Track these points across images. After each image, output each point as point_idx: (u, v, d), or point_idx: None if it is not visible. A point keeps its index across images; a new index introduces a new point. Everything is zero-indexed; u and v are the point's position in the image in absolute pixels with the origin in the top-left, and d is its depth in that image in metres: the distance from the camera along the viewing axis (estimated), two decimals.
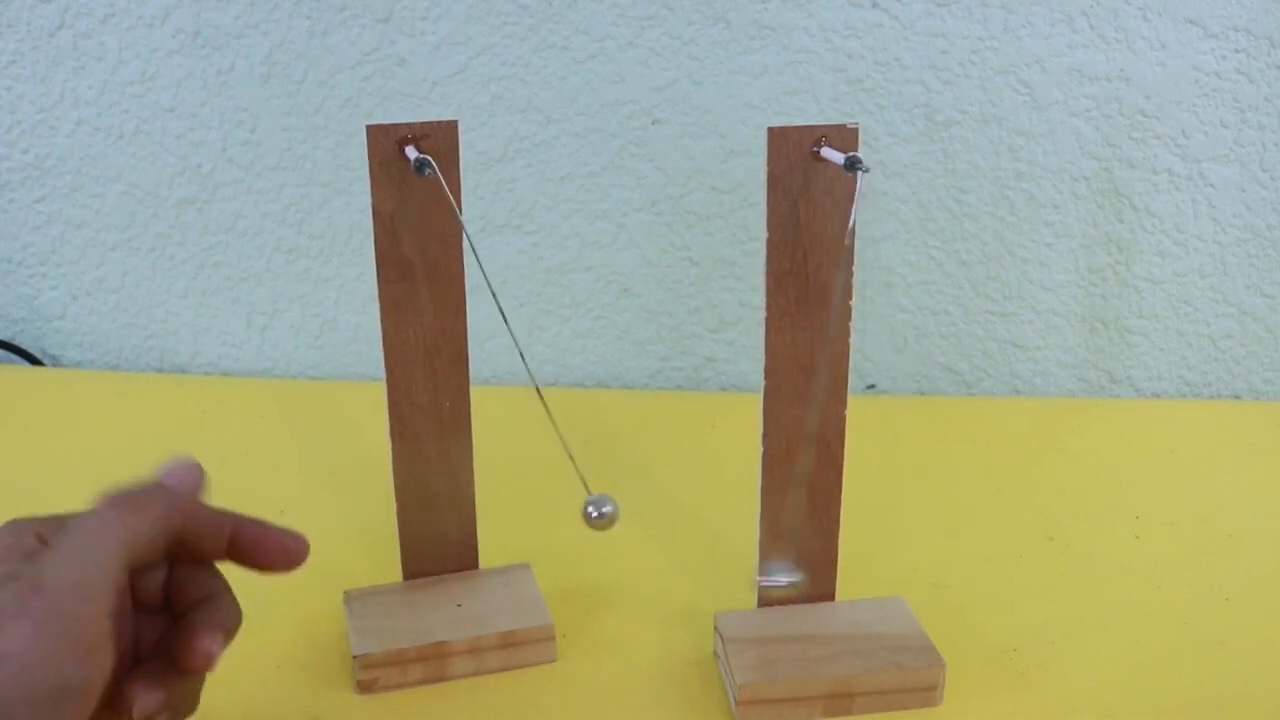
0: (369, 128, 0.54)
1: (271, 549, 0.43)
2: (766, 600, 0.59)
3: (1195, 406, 0.90)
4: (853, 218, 0.50)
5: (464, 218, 0.57)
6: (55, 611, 0.34)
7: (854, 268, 0.55)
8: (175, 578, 0.42)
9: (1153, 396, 0.92)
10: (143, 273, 0.94)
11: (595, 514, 0.51)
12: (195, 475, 0.42)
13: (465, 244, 0.57)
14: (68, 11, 0.87)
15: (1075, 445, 0.82)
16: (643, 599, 0.64)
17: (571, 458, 0.52)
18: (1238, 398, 0.92)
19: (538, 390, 0.52)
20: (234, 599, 0.43)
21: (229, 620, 0.41)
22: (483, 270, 0.53)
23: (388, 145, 0.54)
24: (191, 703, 0.43)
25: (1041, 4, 0.82)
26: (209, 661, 0.39)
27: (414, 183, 0.55)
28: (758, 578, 0.49)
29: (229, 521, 0.42)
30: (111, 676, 0.37)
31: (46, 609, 0.34)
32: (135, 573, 0.39)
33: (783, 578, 0.49)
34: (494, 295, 0.53)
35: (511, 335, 0.53)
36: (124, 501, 0.39)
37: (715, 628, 0.58)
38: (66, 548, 0.36)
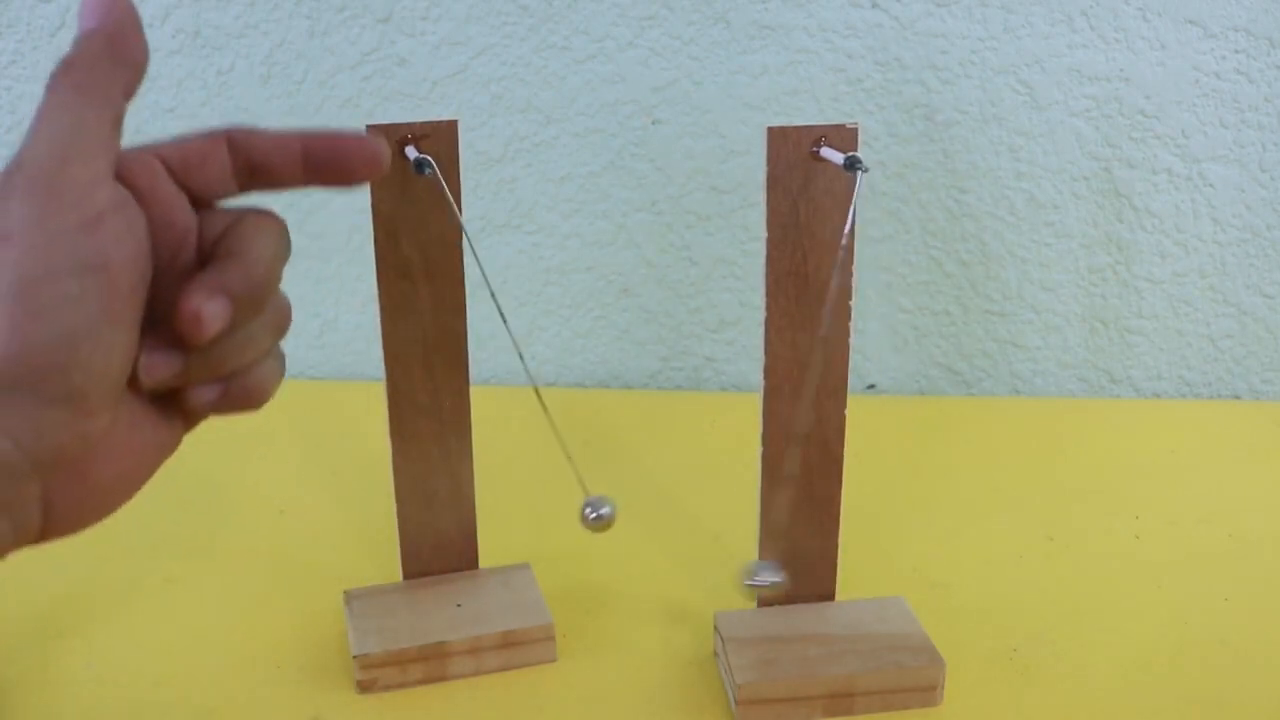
0: (369, 128, 0.54)
1: (351, 152, 0.38)
2: (764, 601, 0.59)
3: (1195, 406, 0.90)
4: (850, 218, 0.50)
5: (464, 218, 0.57)
6: (39, 181, 0.32)
7: (854, 267, 0.55)
8: (224, 233, 0.37)
9: (1153, 396, 0.92)
10: None
11: (593, 515, 0.51)
12: (112, 3, 0.36)
13: (465, 244, 0.57)
14: (68, 12, 0.87)
15: (1075, 445, 0.82)
16: (643, 599, 0.64)
17: (570, 458, 0.52)
18: (1237, 398, 0.92)
19: (536, 391, 0.52)
20: (262, 273, 0.37)
21: (236, 285, 0.35)
22: (482, 270, 0.53)
23: (387, 145, 0.54)
24: (244, 388, 0.38)
25: (1041, 4, 0.82)
26: (197, 325, 0.34)
27: (414, 183, 0.55)
28: (744, 581, 0.50)
29: (296, 137, 0.37)
30: (166, 279, 0.35)
31: (29, 179, 0.32)
32: (200, 202, 0.37)
33: (768, 577, 0.49)
34: (493, 295, 0.53)
35: (511, 336, 0.53)
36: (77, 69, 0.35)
37: (715, 628, 0.58)
38: (38, 125, 0.33)
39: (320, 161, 0.38)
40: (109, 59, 0.35)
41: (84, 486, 0.33)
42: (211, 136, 0.37)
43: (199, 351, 0.35)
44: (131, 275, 0.33)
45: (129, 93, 0.35)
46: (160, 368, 0.35)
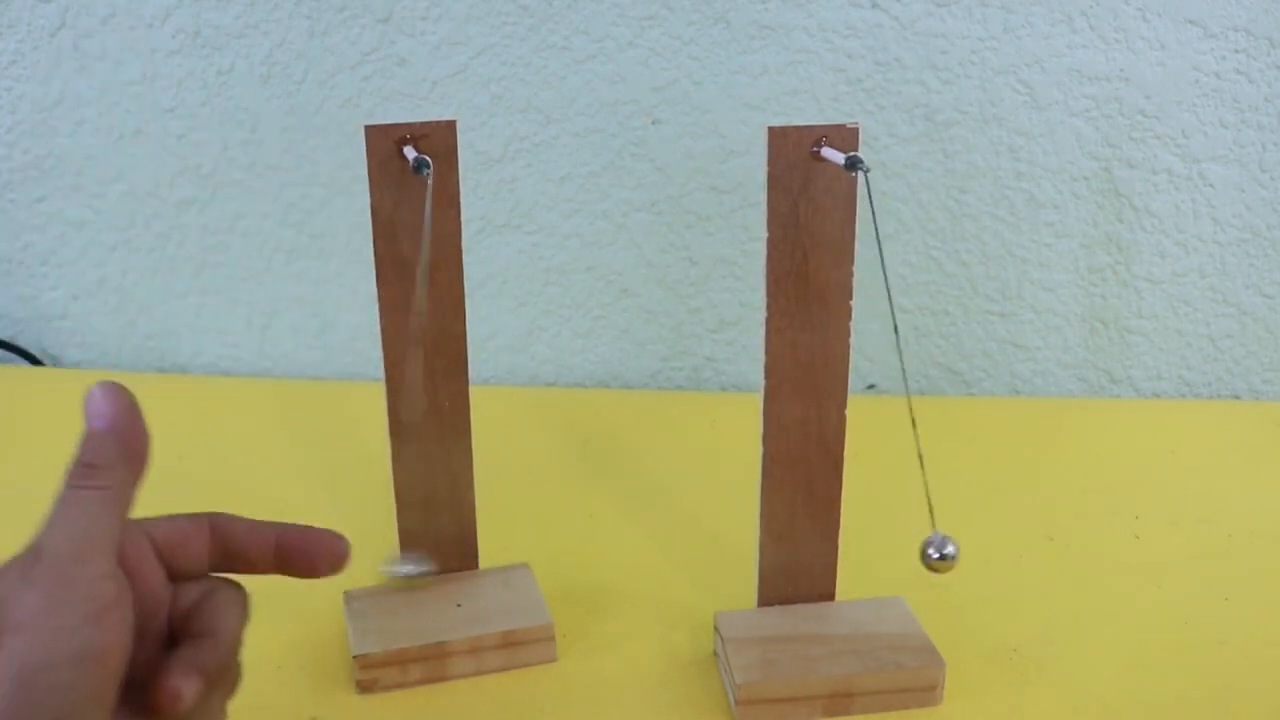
0: (368, 128, 0.54)
1: (317, 551, 0.43)
2: (767, 600, 0.59)
3: (1195, 406, 0.90)
4: (874, 220, 0.50)
5: (464, 218, 0.57)
6: (58, 577, 0.35)
7: (853, 267, 0.55)
8: (193, 606, 0.41)
9: (1152, 396, 0.92)
10: (143, 273, 0.94)
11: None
12: (118, 403, 0.40)
13: (464, 243, 0.57)
14: (68, 12, 0.87)
15: (1075, 445, 0.82)
16: (643, 599, 0.64)
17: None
18: (1237, 398, 0.92)
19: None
20: (230, 650, 0.41)
21: (210, 664, 0.39)
22: (423, 266, 0.52)
23: (387, 145, 0.54)
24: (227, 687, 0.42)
25: (1041, 4, 0.82)
26: (174, 702, 0.37)
27: (413, 183, 0.55)
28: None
29: (271, 530, 0.43)
30: (139, 647, 0.37)
31: (48, 575, 0.35)
32: (177, 578, 0.40)
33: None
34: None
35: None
36: (89, 475, 0.39)
37: (715, 627, 0.58)
38: (57, 519, 0.37)
39: (290, 555, 0.42)
40: (122, 459, 0.39)
41: None
42: (195, 520, 0.41)
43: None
44: (122, 658, 0.36)
45: (138, 484, 0.39)
46: (186, 691, 0.38)
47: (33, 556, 0.35)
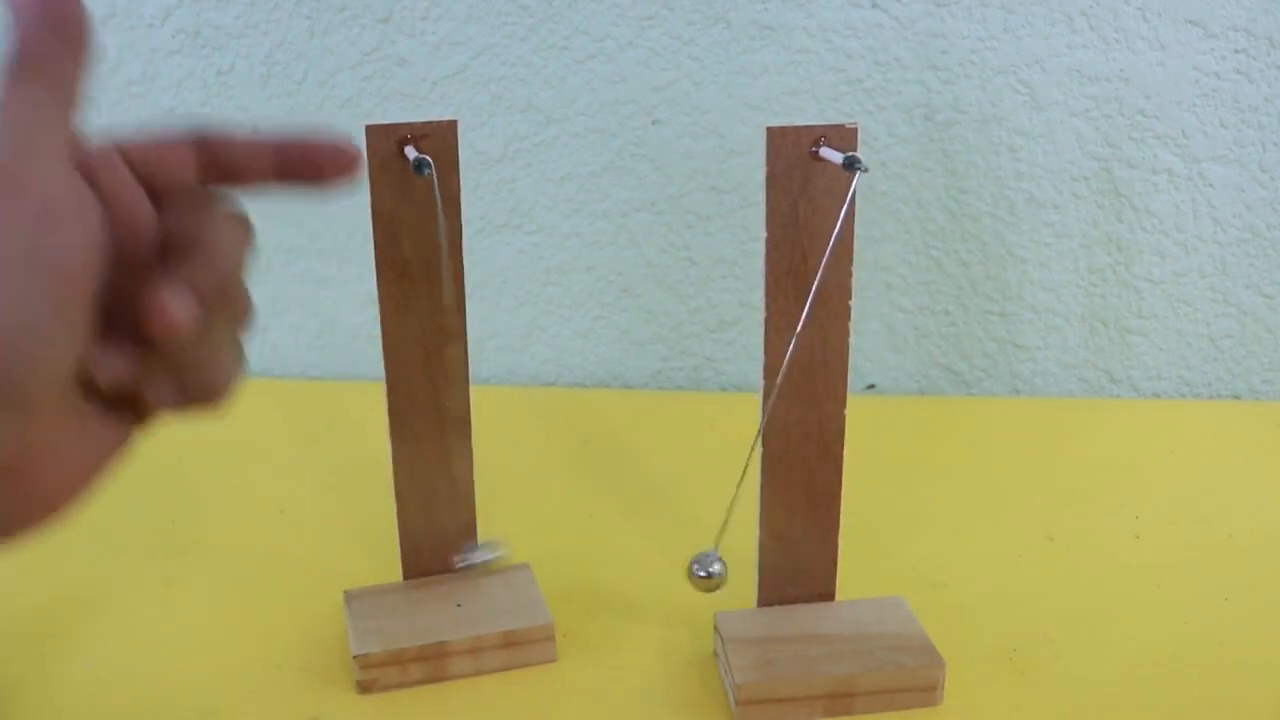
0: (368, 128, 0.54)
1: (323, 153, 0.36)
2: (767, 600, 0.59)
3: (1195, 406, 0.90)
4: (842, 216, 0.50)
5: (464, 218, 0.57)
6: (3, 176, 0.31)
7: (853, 267, 0.55)
8: (186, 223, 0.36)
9: (1152, 396, 0.92)
10: None
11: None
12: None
13: (464, 243, 0.57)
14: None
15: (1075, 445, 0.82)
16: (643, 599, 0.64)
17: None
18: (1237, 398, 0.92)
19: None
20: (227, 266, 0.35)
21: (202, 279, 0.34)
22: (447, 274, 0.52)
23: (387, 145, 0.54)
24: (203, 385, 0.36)
25: (1041, 4, 0.82)
26: (164, 318, 0.32)
27: (414, 183, 0.55)
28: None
29: (268, 138, 0.36)
30: (124, 274, 0.33)
31: None
32: (161, 197, 0.35)
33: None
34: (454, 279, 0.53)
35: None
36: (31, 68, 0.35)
37: (715, 628, 0.58)
38: None
39: (291, 159, 0.36)
40: (62, 45, 0.34)
41: (25, 490, 0.32)
42: (178, 134, 0.35)
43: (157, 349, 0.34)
44: (86, 274, 0.32)
45: (83, 75, 0.34)
46: (118, 368, 0.33)
47: None
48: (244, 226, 0.37)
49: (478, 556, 0.53)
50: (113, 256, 0.33)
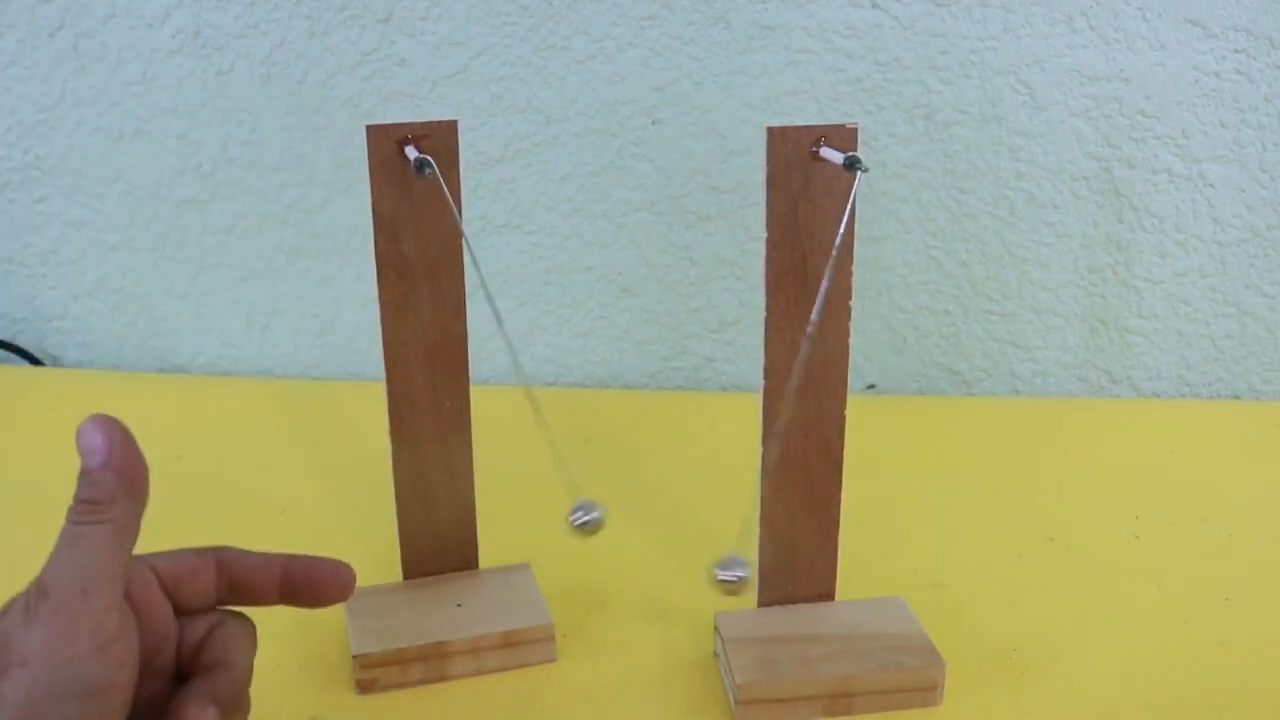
0: (369, 128, 0.54)
1: (324, 582, 0.43)
2: (767, 600, 0.59)
3: (1195, 406, 0.90)
4: (846, 217, 0.50)
5: (464, 218, 0.57)
6: (62, 610, 0.35)
7: (853, 267, 0.55)
8: (202, 639, 0.42)
9: (1152, 396, 0.92)
10: (143, 273, 0.94)
11: (581, 520, 0.50)
12: (111, 436, 0.40)
13: (465, 246, 0.57)
14: (68, 12, 0.87)
15: (1075, 445, 0.82)
16: (643, 599, 0.64)
17: (560, 461, 0.51)
18: (1237, 397, 0.92)
19: (531, 395, 0.52)
20: (243, 681, 0.42)
21: (225, 695, 0.40)
22: (480, 275, 0.53)
23: (387, 145, 0.54)
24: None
25: (1041, 4, 0.82)
26: None
27: (414, 183, 0.55)
28: (716, 572, 0.50)
29: (278, 562, 0.43)
30: (146, 681, 0.39)
31: (54, 610, 0.35)
32: (183, 612, 0.41)
33: (736, 573, 0.49)
34: (489, 298, 0.53)
35: (507, 340, 0.53)
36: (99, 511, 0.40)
37: (715, 628, 0.58)
38: (61, 554, 0.37)
39: (296, 586, 0.43)
40: (124, 492, 0.39)
41: None
42: (202, 555, 0.41)
43: None
44: (127, 692, 0.37)
45: (140, 516, 0.39)
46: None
47: (38, 593, 0.36)
48: (254, 637, 0.43)
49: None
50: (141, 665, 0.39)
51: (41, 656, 0.35)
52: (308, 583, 0.43)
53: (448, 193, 0.54)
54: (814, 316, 0.51)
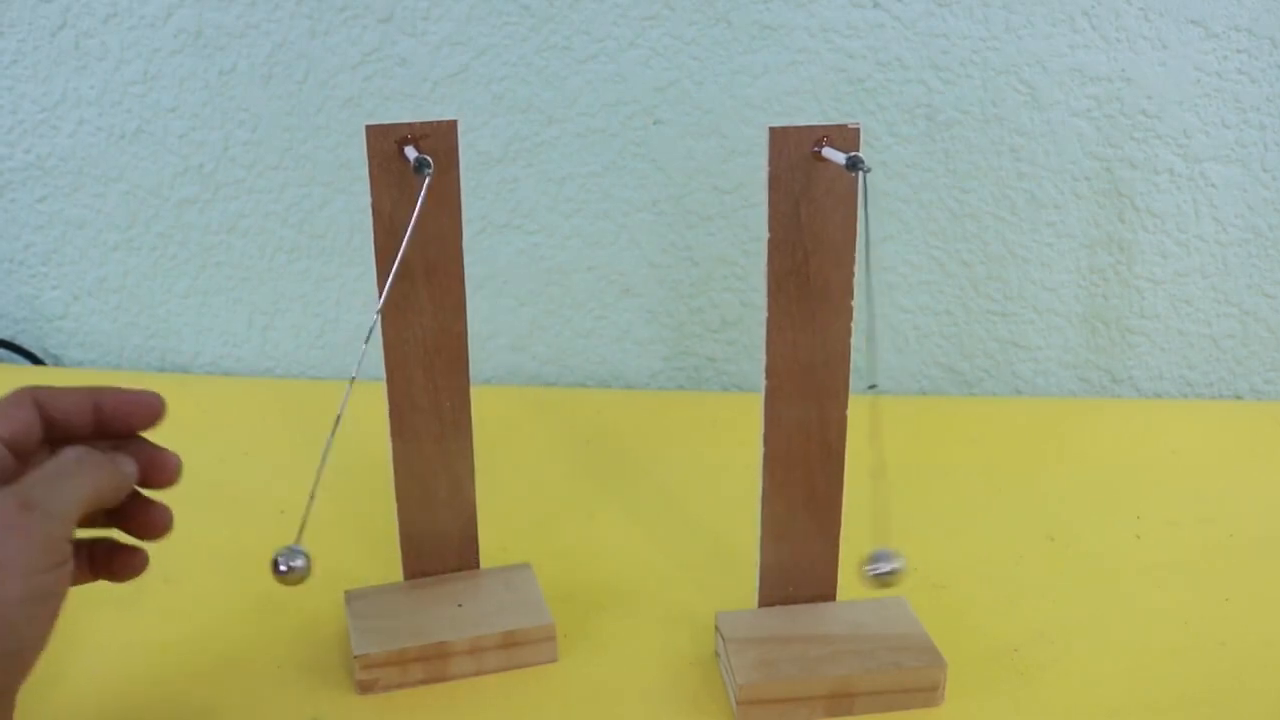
0: (368, 128, 0.54)
1: (133, 409, 0.47)
2: (768, 601, 0.59)
3: (1197, 406, 0.90)
4: (863, 223, 0.50)
5: (465, 218, 0.57)
6: (44, 531, 0.40)
7: (854, 267, 0.55)
8: None
9: (1154, 396, 0.92)
10: (144, 272, 0.94)
11: (284, 568, 0.48)
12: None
13: (464, 243, 0.57)
14: (69, 11, 0.87)
15: (1076, 445, 0.82)
16: (643, 599, 0.64)
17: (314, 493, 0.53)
18: (1239, 398, 0.92)
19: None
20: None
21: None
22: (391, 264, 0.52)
23: (387, 145, 0.54)
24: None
25: (1043, 4, 0.82)
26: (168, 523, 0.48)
27: (414, 183, 0.55)
28: (866, 569, 0.49)
29: (89, 396, 0.46)
30: None
31: (36, 527, 0.40)
32: (16, 454, 0.44)
33: (886, 565, 0.49)
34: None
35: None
36: (91, 457, 0.44)
37: (716, 628, 0.58)
38: (58, 478, 0.42)
39: (107, 417, 0.47)
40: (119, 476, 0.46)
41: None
42: (19, 404, 0.45)
43: None
44: (63, 603, 0.42)
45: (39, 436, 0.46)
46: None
47: (20, 508, 0.40)
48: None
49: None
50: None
51: (15, 561, 0.39)
52: (118, 413, 0.47)
53: (422, 197, 0.53)
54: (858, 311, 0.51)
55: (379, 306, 0.53)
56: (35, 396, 0.45)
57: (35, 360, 0.97)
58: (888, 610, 0.59)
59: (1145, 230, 0.87)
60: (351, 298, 0.93)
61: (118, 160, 0.91)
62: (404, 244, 0.52)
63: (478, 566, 0.63)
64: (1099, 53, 0.83)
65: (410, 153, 0.54)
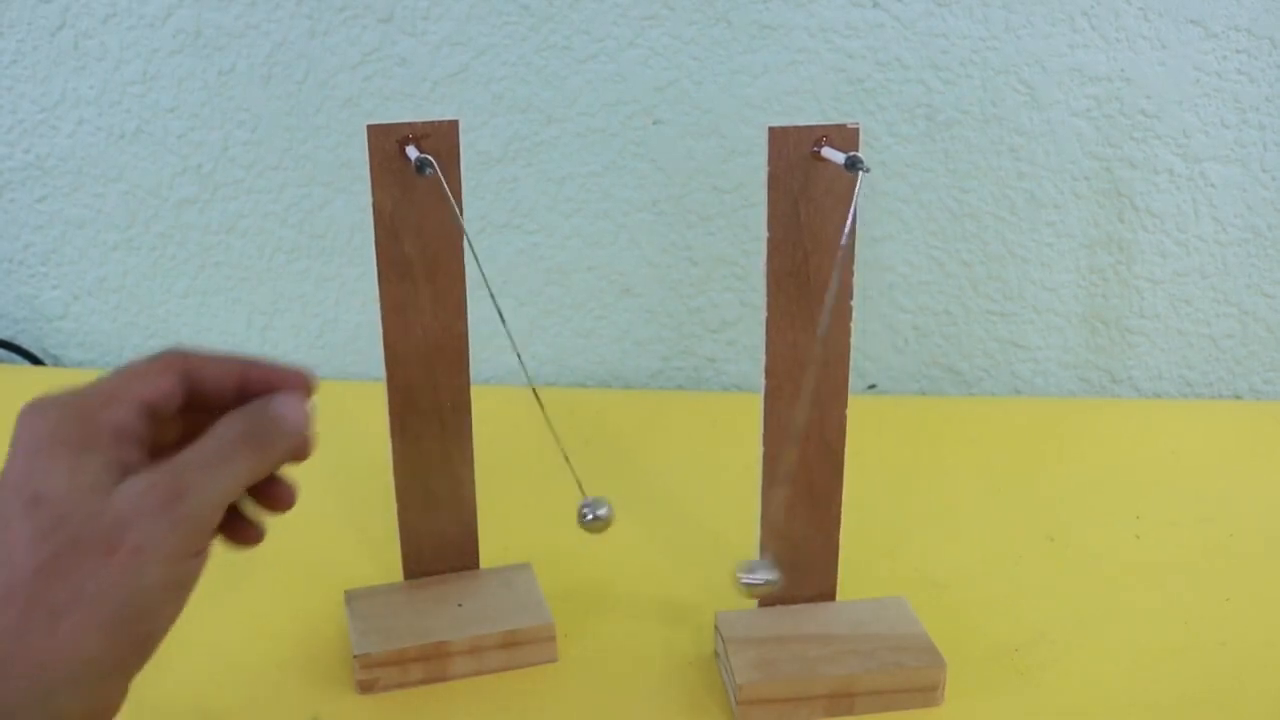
0: (369, 127, 0.54)
1: (281, 383, 0.44)
2: (762, 600, 0.59)
3: (1196, 406, 0.90)
4: (850, 218, 0.50)
5: (464, 217, 0.57)
6: (195, 520, 0.39)
7: (854, 267, 0.55)
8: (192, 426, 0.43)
9: (1154, 396, 0.92)
10: (144, 272, 0.94)
11: (590, 516, 0.51)
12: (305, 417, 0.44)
13: (466, 245, 0.57)
14: (69, 11, 0.87)
15: (1076, 445, 0.82)
16: (643, 599, 0.64)
17: (568, 460, 0.51)
18: (1239, 397, 0.92)
19: (535, 393, 0.52)
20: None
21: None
22: (483, 273, 0.53)
23: (388, 145, 0.54)
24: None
25: (1042, 4, 0.82)
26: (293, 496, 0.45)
27: (414, 183, 0.55)
28: (740, 575, 0.49)
29: (236, 368, 0.44)
30: None
31: (188, 517, 0.38)
32: (153, 420, 0.41)
33: (762, 575, 0.49)
34: (493, 297, 0.53)
35: (511, 341, 0.53)
36: (252, 440, 0.42)
37: (715, 628, 0.58)
38: (213, 464, 0.40)
39: (253, 390, 0.44)
40: (289, 458, 0.43)
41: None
42: (168, 369, 0.42)
43: None
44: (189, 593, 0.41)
45: (180, 399, 0.43)
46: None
47: (174, 494, 0.38)
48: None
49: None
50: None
51: (160, 552, 0.37)
52: (265, 388, 0.44)
53: (449, 192, 0.54)
54: (824, 321, 0.51)
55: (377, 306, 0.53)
56: (185, 364, 0.43)
57: (35, 360, 0.97)
58: (888, 610, 0.59)
59: (1145, 230, 0.87)
60: (351, 298, 0.93)
61: (117, 160, 0.91)
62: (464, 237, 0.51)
63: (478, 566, 0.63)
64: (1098, 52, 0.83)
65: (412, 152, 0.54)
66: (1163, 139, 0.84)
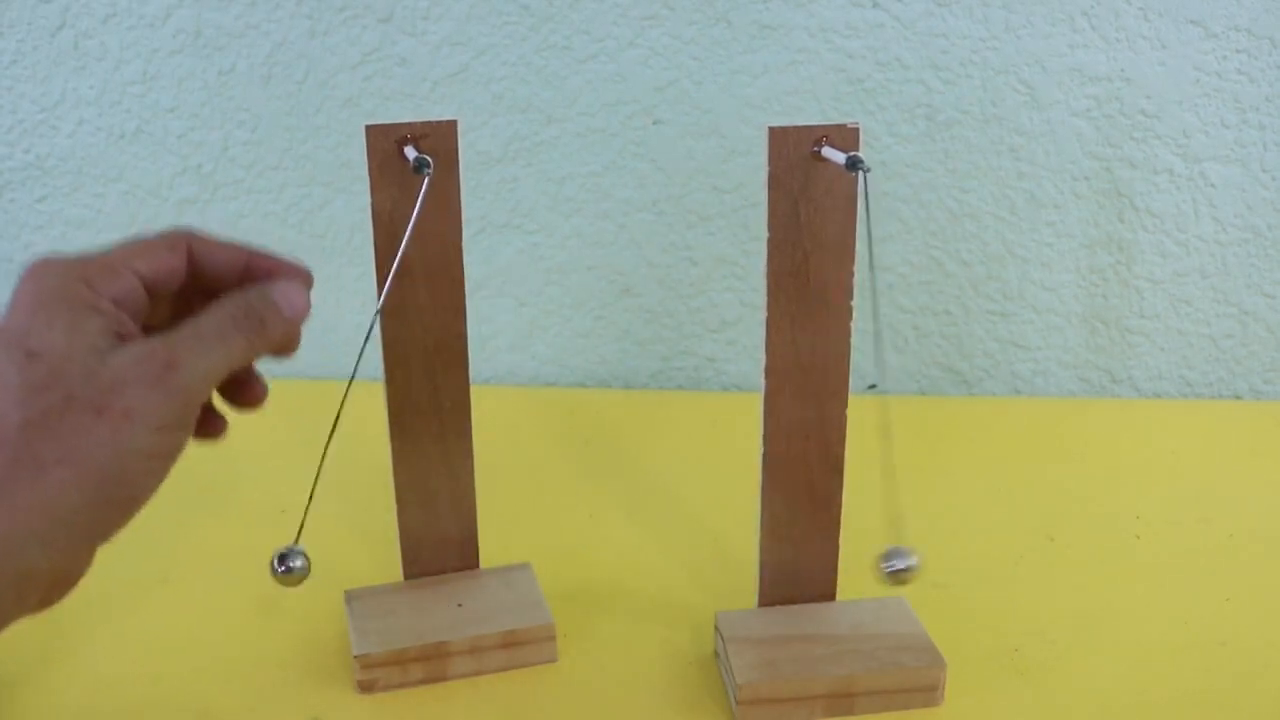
0: (368, 128, 0.54)
1: (282, 274, 0.44)
2: (767, 600, 0.59)
3: (1196, 406, 0.90)
4: (866, 223, 0.50)
5: (465, 217, 0.57)
6: (184, 394, 0.39)
7: (854, 267, 0.55)
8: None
9: (1154, 396, 0.92)
10: None
11: (282, 569, 0.48)
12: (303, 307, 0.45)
13: (464, 243, 0.57)
14: (69, 11, 0.87)
15: (1076, 445, 0.82)
16: (643, 599, 0.64)
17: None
18: (1239, 397, 0.92)
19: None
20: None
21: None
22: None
23: (387, 145, 0.54)
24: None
25: (1042, 4, 0.82)
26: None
27: (414, 183, 0.55)
28: (882, 566, 0.49)
29: (242, 254, 0.44)
30: None
31: (177, 389, 0.39)
32: (153, 295, 0.42)
33: (901, 562, 0.49)
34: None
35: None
36: (246, 324, 0.42)
37: (715, 627, 0.58)
38: (205, 343, 0.40)
39: (255, 278, 0.44)
40: (282, 345, 0.45)
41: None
42: (174, 249, 0.43)
43: None
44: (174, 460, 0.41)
45: (182, 277, 0.43)
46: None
47: (169, 364, 0.38)
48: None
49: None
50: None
51: (148, 419, 0.38)
52: (267, 276, 0.44)
53: (421, 197, 0.53)
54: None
55: (379, 306, 0.53)
56: (193, 244, 0.43)
57: None
58: (888, 610, 0.59)
59: (1145, 230, 0.87)
60: (351, 298, 0.93)
61: (117, 160, 0.91)
62: (403, 243, 0.52)
63: (478, 566, 0.63)
64: (1098, 52, 0.83)
65: (410, 152, 0.54)
66: (1163, 139, 0.84)
